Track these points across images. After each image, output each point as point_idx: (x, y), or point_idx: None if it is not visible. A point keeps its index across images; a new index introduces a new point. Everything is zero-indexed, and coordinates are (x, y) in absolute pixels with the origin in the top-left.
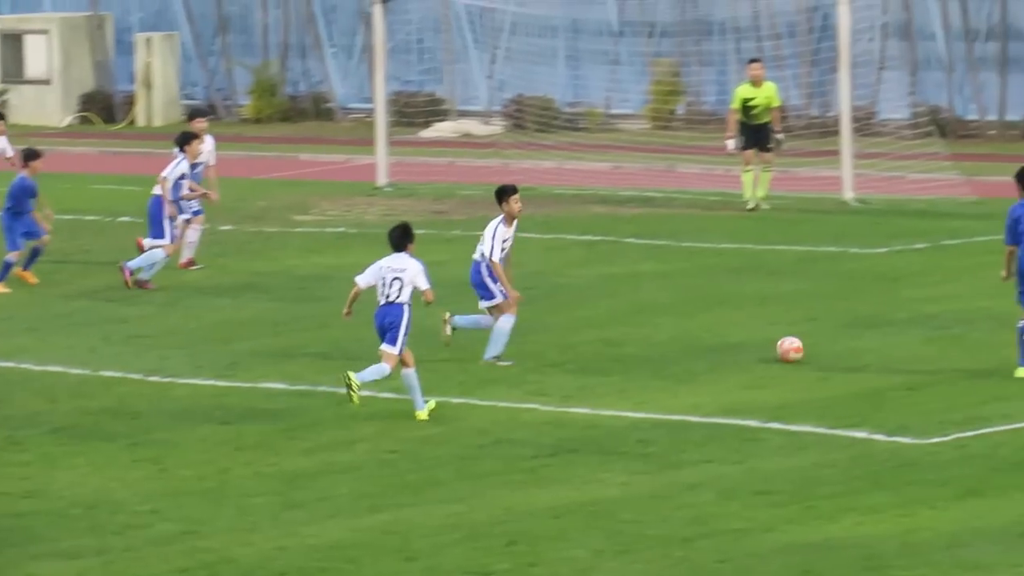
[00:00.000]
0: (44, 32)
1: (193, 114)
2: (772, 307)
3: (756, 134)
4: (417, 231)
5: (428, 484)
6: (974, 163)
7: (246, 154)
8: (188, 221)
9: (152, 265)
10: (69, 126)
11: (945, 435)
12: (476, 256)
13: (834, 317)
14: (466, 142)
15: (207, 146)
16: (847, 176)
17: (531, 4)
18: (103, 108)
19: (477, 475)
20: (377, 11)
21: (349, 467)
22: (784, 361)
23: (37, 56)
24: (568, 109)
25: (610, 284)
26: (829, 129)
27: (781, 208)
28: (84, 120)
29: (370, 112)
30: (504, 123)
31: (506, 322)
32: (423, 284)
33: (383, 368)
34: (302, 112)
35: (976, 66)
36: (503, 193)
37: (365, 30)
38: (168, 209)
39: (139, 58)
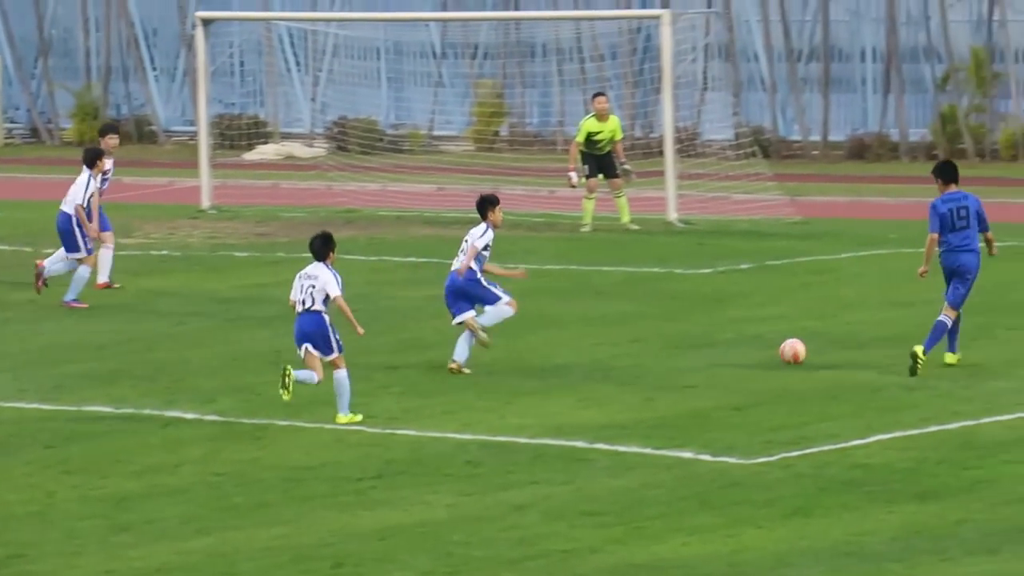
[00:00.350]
0: None
1: (105, 130)
2: (598, 328)
3: (602, 163)
4: (240, 254)
5: (255, 507)
6: (798, 183)
7: (69, 177)
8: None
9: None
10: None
11: (771, 455)
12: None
13: (660, 338)
14: (289, 164)
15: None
16: (671, 197)
17: (353, 26)
18: None
19: (303, 497)
20: (199, 34)
21: (176, 490)
22: (793, 360)
23: None
24: (391, 131)
25: (435, 306)
26: (653, 150)
27: (606, 229)
28: None
29: (193, 135)
30: (327, 145)
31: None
32: (334, 290)
33: (312, 376)
34: (124, 135)
35: (799, 87)
36: (488, 204)
37: (187, 53)
38: (91, 231)
39: None
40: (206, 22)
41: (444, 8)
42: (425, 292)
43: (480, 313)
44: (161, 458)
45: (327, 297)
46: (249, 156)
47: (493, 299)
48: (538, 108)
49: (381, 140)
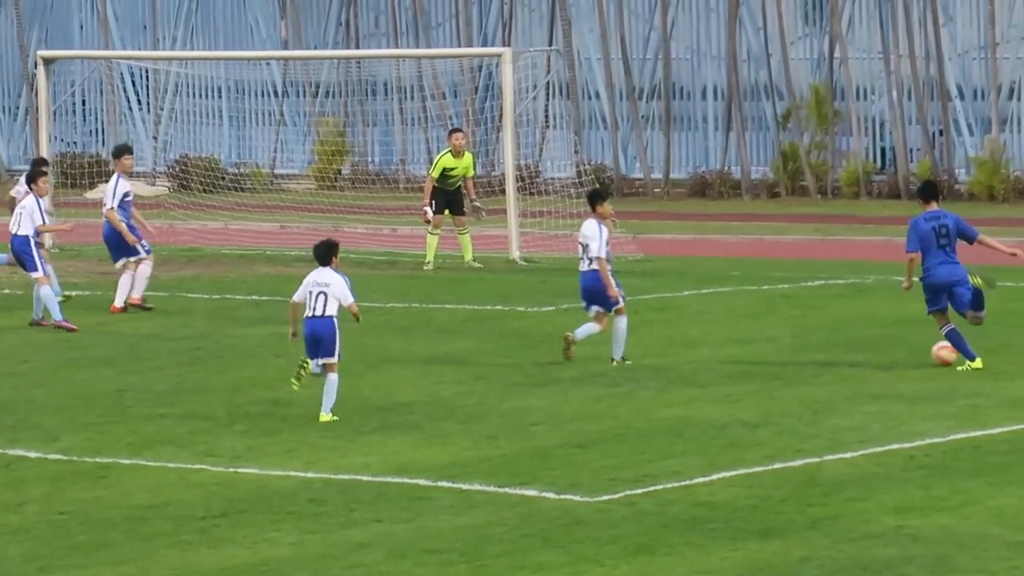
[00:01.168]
0: None
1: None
2: (441, 366)
3: (451, 199)
4: (83, 293)
5: (99, 546)
6: (640, 221)
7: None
8: (140, 260)
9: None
10: None
11: (615, 492)
12: (586, 265)
13: (503, 376)
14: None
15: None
16: (513, 235)
17: (195, 65)
18: None
19: (147, 536)
20: (40, 72)
21: (19, 529)
22: (942, 363)
23: None
24: (233, 169)
25: (278, 344)
26: (495, 188)
27: (448, 267)
28: None
29: None
30: (169, 183)
31: (623, 321)
32: (348, 299)
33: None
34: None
35: (640, 124)
36: (597, 197)
37: (29, 92)
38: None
39: None
40: (48, 60)
41: (285, 46)
42: (268, 330)
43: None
44: (3, 496)
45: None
46: (91, 195)
47: (612, 305)
48: (380, 146)
49: (223, 178)
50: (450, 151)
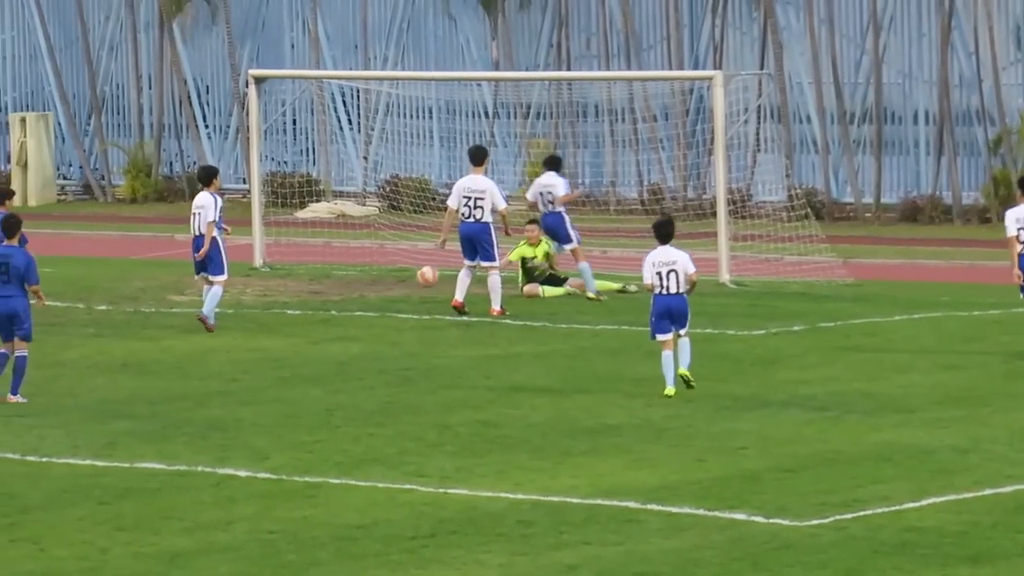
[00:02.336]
0: None
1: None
2: (650, 388)
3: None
4: (292, 312)
5: (308, 565)
6: (850, 246)
7: (122, 234)
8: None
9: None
10: None
11: (824, 517)
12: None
13: (712, 399)
14: (342, 223)
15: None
16: (724, 258)
17: (406, 85)
18: None
19: (356, 556)
20: (251, 92)
21: (228, 547)
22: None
23: None
24: (443, 190)
25: (487, 365)
26: (705, 211)
27: None
28: None
29: (245, 192)
30: (379, 204)
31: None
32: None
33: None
34: (177, 192)
35: (851, 149)
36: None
37: (240, 110)
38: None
39: (13, 138)
40: (259, 80)
41: (497, 67)
42: (477, 351)
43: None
44: (213, 515)
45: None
46: (301, 214)
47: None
48: (590, 168)
49: (433, 199)
50: (526, 241)
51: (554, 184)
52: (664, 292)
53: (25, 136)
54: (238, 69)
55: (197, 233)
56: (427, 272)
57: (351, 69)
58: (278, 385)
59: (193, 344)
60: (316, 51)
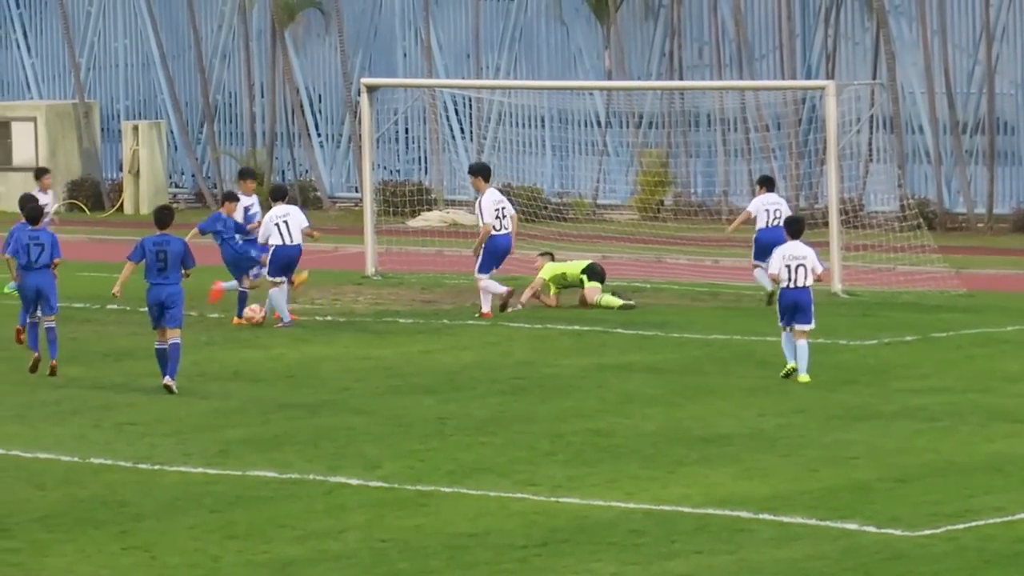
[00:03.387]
0: (31, 119)
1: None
2: (761, 398)
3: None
4: (404, 320)
5: (419, 573)
6: (963, 256)
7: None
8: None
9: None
10: (57, 212)
11: (936, 527)
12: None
13: (824, 408)
14: (453, 231)
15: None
16: (836, 268)
17: (518, 94)
18: (90, 196)
19: (468, 565)
20: (364, 100)
21: (340, 555)
22: None
23: (24, 143)
24: (555, 199)
25: (599, 374)
26: (817, 221)
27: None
28: (71, 207)
29: (357, 201)
30: None
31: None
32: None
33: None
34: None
35: (964, 159)
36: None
37: (352, 119)
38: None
39: (126, 146)
40: (371, 88)
41: (609, 77)
42: (589, 360)
43: None
44: (325, 523)
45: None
46: (413, 223)
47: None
48: (702, 178)
49: (545, 208)
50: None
51: (780, 202)
52: (791, 286)
53: (138, 144)
54: (350, 78)
55: (293, 242)
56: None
57: (463, 78)
58: (390, 394)
59: (305, 352)
60: (428, 60)
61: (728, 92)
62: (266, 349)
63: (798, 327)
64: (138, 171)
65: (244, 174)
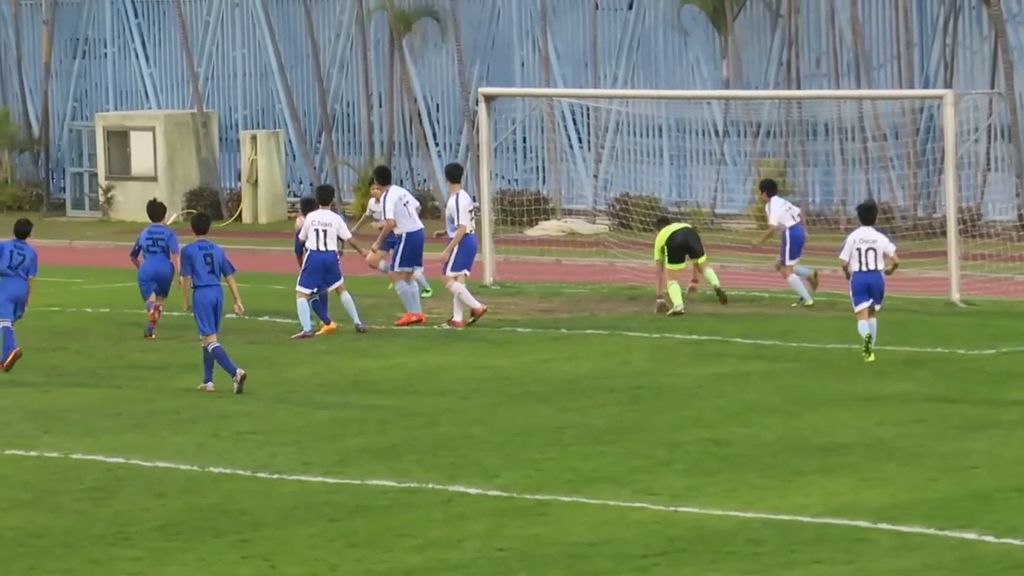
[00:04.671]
0: (149, 129)
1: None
2: (880, 407)
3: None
4: (523, 330)
5: None
6: None
7: (352, 252)
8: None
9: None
10: (174, 223)
11: None
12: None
13: (942, 418)
14: (571, 241)
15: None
16: (954, 277)
17: (635, 103)
18: (209, 205)
19: (587, 574)
20: (482, 110)
21: (459, 564)
22: None
23: (143, 153)
24: (673, 208)
25: (717, 384)
26: (935, 230)
27: (889, 309)
28: (190, 217)
29: (475, 210)
30: (609, 222)
31: None
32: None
33: None
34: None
35: None
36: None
37: (469, 129)
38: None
39: (244, 155)
40: (489, 98)
41: (727, 86)
42: (708, 369)
43: None
44: (444, 532)
45: None
46: (531, 232)
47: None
48: (820, 187)
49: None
50: None
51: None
52: (864, 269)
53: (256, 154)
54: (468, 87)
55: (327, 248)
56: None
57: (581, 87)
58: (508, 403)
59: (423, 362)
60: (546, 69)
61: (846, 101)
62: (385, 358)
63: (869, 306)
64: (256, 181)
65: (380, 176)
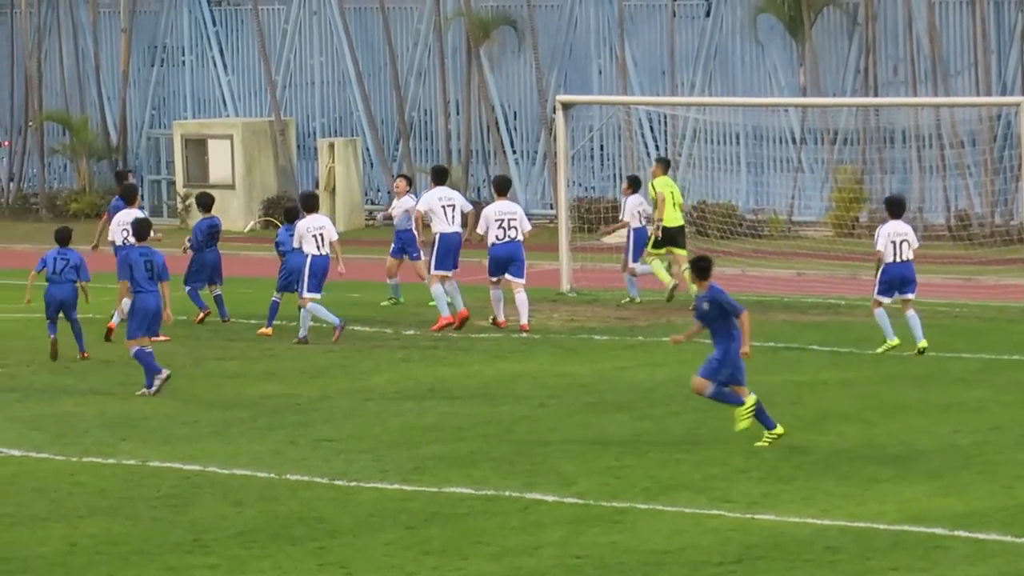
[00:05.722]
0: (227, 137)
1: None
2: (957, 415)
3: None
4: (599, 337)
5: None
6: None
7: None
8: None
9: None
10: (252, 230)
11: None
12: None
13: (1019, 426)
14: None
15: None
16: None
17: (712, 111)
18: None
19: None
20: (559, 117)
21: (535, 572)
22: None
23: (220, 161)
24: (751, 216)
25: (794, 391)
26: (1013, 237)
27: (966, 316)
28: (268, 224)
29: (552, 218)
30: (687, 230)
31: None
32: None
33: None
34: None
35: None
36: None
37: (547, 136)
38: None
39: (322, 163)
40: (566, 106)
41: (804, 93)
42: (784, 377)
43: None
44: (521, 540)
45: None
46: (608, 240)
47: None
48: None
49: (740, 225)
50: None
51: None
52: (897, 260)
53: (333, 162)
54: (545, 95)
55: (323, 252)
56: None
57: (658, 95)
58: (585, 410)
59: (500, 369)
60: (623, 77)
61: (923, 108)
62: (462, 366)
63: (904, 297)
64: (334, 188)
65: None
